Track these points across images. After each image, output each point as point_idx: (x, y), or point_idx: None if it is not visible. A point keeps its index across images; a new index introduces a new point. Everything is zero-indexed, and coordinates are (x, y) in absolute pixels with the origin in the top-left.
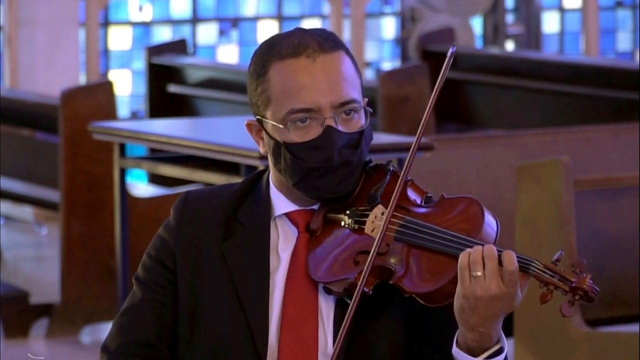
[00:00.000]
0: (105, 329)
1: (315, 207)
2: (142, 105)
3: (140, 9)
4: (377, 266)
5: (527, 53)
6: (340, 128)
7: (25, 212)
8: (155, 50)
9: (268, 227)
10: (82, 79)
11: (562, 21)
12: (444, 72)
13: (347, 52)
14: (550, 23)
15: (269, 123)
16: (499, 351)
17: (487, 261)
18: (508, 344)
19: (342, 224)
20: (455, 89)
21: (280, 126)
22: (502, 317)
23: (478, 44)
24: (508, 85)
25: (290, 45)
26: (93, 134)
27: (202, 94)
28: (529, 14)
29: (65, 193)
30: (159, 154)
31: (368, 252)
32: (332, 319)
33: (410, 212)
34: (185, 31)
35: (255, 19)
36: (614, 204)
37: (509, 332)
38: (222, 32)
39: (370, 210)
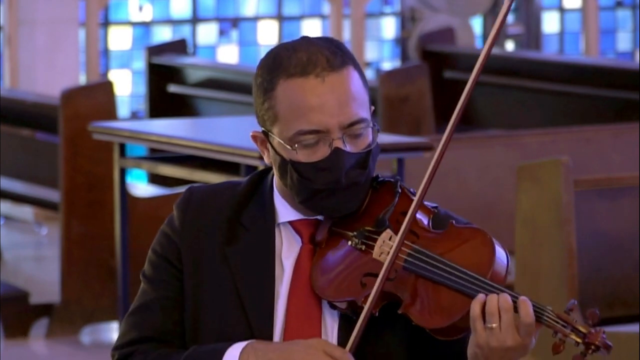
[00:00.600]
0: (105, 329)
1: (320, 217)
2: (142, 105)
3: (140, 9)
4: (385, 292)
5: (527, 53)
6: (348, 148)
7: (25, 212)
8: (155, 50)
9: (273, 234)
10: (82, 79)
11: (562, 21)
12: (501, 20)
13: (355, 64)
14: (550, 23)
15: (276, 139)
16: None
17: (502, 313)
18: None
19: (349, 243)
20: (455, 89)
21: (288, 146)
22: None
23: (478, 44)
24: (508, 85)
25: (298, 62)
26: (93, 134)
27: (202, 94)
28: (529, 14)
29: (65, 193)
30: (159, 154)
31: (375, 275)
32: (336, 332)
33: (420, 237)
34: (185, 31)
35: (255, 19)
36: (614, 204)
37: None
38: (222, 32)
39: (378, 234)
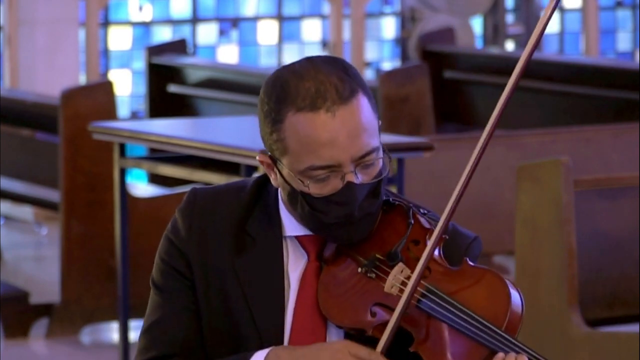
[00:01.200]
0: (105, 329)
1: None
2: (142, 105)
3: (140, 9)
4: (398, 327)
5: None
6: (360, 179)
7: (25, 212)
8: (155, 50)
9: (281, 247)
10: (82, 79)
11: (562, 21)
12: (548, 16)
13: (363, 88)
14: (550, 23)
15: (285, 169)
16: None
17: None
18: None
19: (359, 269)
20: (455, 89)
21: (299, 180)
22: None
23: (478, 44)
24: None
25: (307, 94)
26: (93, 134)
27: (202, 94)
28: (529, 14)
29: (65, 193)
30: (159, 154)
31: (385, 305)
32: None
33: (432, 272)
34: (185, 31)
35: (255, 19)
36: (614, 204)
37: None
38: (222, 32)
39: (390, 268)
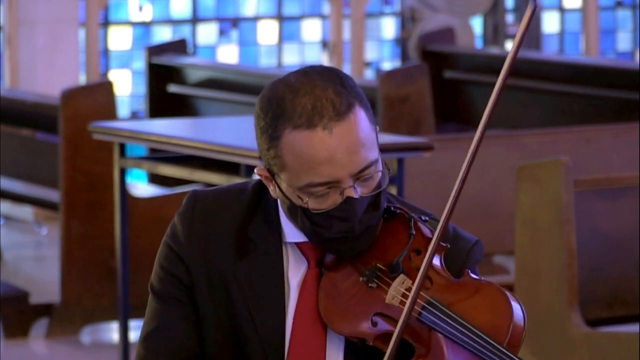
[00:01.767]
0: (105, 329)
1: None
2: (142, 105)
3: (140, 9)
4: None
5: (527, 53)
6: (359, 192)
7: (25, 212)
8: (155, 50)
9: (281, 253)
10: (82, 79)
11: (562, 21)
12: (523, 31)
13: (360, 100)
14: (550, 23)
15: (284, 184)
16: None
17: None
18: None
19: (360, 278)
20: (455, 89)
21: (298, 196)
22: None
23: (478, 44)
24: (508, 85)
25: (303, 111)
26: (93, 134)
27: (202, 94)
28: None
29: (65, 193)
30: (159, 154)
31: (386, 316)
32: (341, 359)
33: (434, 283)
34: (185, 31)
35: (255, 19)
36: (614, 204)
37: None
38: (222, 32)
39: (392, 279)
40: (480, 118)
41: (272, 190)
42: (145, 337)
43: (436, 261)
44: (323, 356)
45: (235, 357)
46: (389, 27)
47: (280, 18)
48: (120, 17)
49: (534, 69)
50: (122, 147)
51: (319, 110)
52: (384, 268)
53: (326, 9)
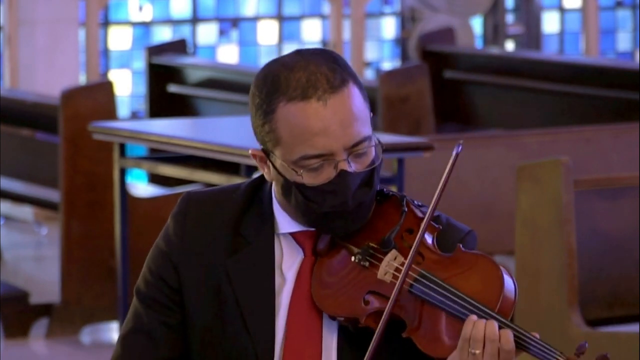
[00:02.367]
0: (105, 329)
1: None
2: (142, 105)
3: (140, 9)
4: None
5: (527, 53)
6: (353, 167)
7: (25, 212)
8: (155, 50)
9: (273, 245)
10: (82, 79)
11: (562, 21)
12: (449, 170)
13: (354, 79)
14: (550, 23)
15: (278, 160)
16: None
17: (487, 343)
18: None
19: (352, 258)
20: (455, 89)
21: (292, 170)
22: None
23: (478, 44)
24: (508, 85)
25: (297, 84)
26: (93, 134)
27: (202, 94)
28: (529, 14)
29: (65, 193)
30: (159, 154)
31: (378, 294)
32: (335, 345)
33: (425, 259)
34: (185, 31)
35: (255, 19)
36: (614, 204)
37: None
38: (222, 32)
39: (384, 255)
40: (480, 118)
41: (267, 172)
42: (124, 337)
43: (429, 239)
44: (319, 344)
45: (223, 357)
46: (389, 27)
47: (280, 18)
48: (120, 17)
49: (534, 69)
50: (122, 147)
51: (313, 83)
52: (376, 246)
53: (326, 9)
